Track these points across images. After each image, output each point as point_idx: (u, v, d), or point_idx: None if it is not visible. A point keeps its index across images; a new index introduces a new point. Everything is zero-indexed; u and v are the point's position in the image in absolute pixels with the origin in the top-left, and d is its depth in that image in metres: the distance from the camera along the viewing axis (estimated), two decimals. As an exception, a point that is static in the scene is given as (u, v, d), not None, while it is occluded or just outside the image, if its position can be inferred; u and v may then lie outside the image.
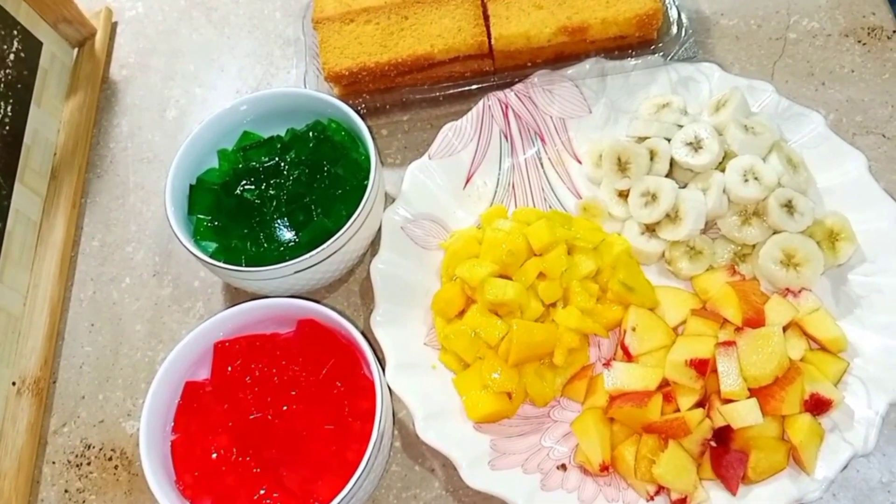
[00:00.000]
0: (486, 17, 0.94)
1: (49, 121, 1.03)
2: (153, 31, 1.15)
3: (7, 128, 0.94)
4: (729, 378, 0.73)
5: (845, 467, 0.72)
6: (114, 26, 1.16)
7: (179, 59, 1.12)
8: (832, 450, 0.72)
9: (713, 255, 0.84)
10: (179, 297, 0.94)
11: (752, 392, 0.73)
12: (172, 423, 0.77)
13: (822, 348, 0.78)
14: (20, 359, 0.90)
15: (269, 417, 0.75)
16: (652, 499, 0.73)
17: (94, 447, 0.87)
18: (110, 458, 0.86)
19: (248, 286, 0.85)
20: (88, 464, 0.86)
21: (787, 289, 0.80)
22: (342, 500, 0.67)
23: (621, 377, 0.76)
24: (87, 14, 1.11)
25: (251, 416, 0.75)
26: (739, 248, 0.84)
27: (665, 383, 0.76)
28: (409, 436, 0.81)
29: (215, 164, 0.92)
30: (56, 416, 0.89)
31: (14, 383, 0.88)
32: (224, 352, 0.79)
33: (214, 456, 0.74)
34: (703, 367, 0.74)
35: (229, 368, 0.78)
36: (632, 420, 0.74)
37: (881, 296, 0.79)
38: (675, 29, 0.96)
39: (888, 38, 0.98)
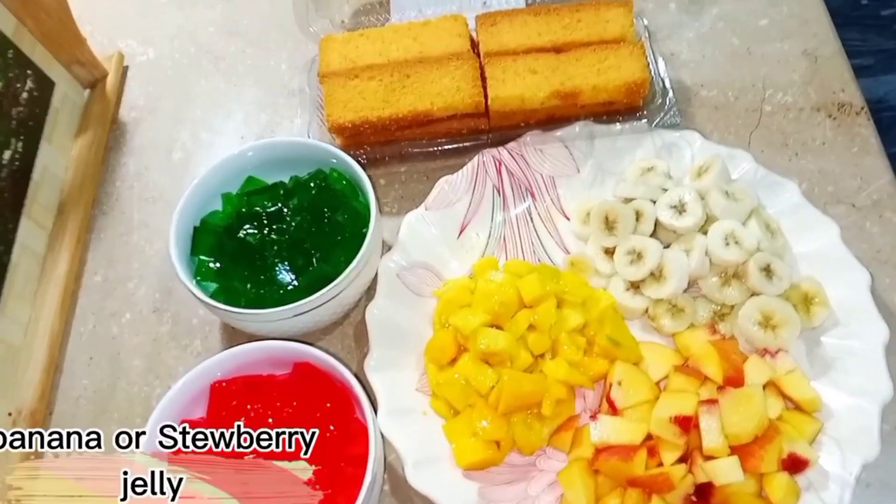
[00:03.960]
0: (484, 79, 0.93)
1: (58, 158, 1.00)
2: (163, 76, 1.13)
3: (17, 163, 0.91)
4: (711, 435, 0.70)
5: (820, 526, 0.69)
6: (125, 70, 1.13)
7: (187, 104, 1.09)
8: (808, 509, 0.70)
9: (694, 313, 0.82)
10: (178, 335, 0.90)
11: (733, 449, 0.71)
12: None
13: (798, 408, 0.75)
14: (17, 390, 0.85)
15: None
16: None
17: (86, 480, 0.82)
18: (102, 492, 0.81)
19: (247, 327, 0.82)
20: (80, 497, 0.81)
21: (765, 349, 0.78)
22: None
23: (607, 430, 0.73)
24: (100, 57, 1.08)
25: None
26: (719, 307, 0.83)
27: (648, 437, 0.73)
28: (397, 479, 0.77)
29: (219, 206, 0.88)
30: (50, 449, 0.85)
31: (10, 414, 0.84)
32: (221, 392, 0.75)
33: (207, 496, 0.70)
34: (686, 424, 0.71)
35: (225, 409, 0.74)
36: (617, 473, 0.71)
37: (854, 358, 0.77)
38: (660, 98, 0.95)
39: (856, 114, 0.98)
